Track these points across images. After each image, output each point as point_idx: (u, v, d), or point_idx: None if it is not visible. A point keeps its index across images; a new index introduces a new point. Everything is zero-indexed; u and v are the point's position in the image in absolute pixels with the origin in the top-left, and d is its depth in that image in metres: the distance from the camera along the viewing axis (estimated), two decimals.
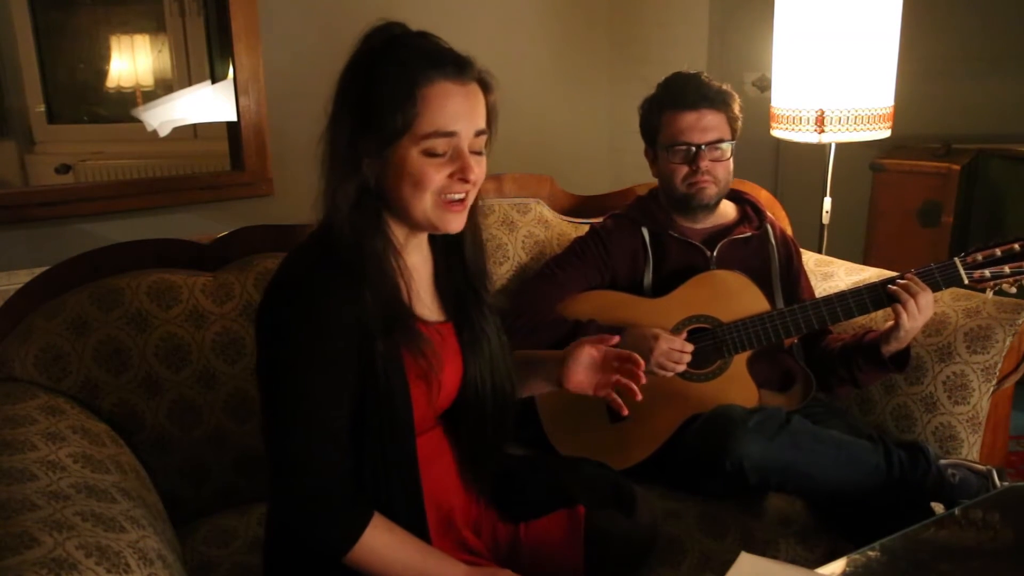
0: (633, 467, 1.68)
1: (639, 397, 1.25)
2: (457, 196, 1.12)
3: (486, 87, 1.14)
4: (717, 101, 1.77)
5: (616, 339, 1.31)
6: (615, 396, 1.28)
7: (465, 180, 1.11)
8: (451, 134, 1.09)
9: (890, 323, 1.66)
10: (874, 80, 2.23)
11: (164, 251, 1.64)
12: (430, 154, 1.09)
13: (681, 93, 1.78)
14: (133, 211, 2.39)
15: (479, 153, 1.13)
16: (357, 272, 1.09)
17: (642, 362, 1.25)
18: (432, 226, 1.15)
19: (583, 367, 1.30)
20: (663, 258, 1.82)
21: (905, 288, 1.63)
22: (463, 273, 1.24)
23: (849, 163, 2.66)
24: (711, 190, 1.79)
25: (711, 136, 1.76)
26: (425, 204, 1.11)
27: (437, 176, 1.10)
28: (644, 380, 1.25)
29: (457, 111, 1.09)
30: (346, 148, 1.10)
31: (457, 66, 1.10)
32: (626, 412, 1.27)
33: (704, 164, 1.76)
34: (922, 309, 1.61)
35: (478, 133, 1.12)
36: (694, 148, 1.76)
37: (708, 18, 3.16)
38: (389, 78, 1.08)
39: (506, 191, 2.04)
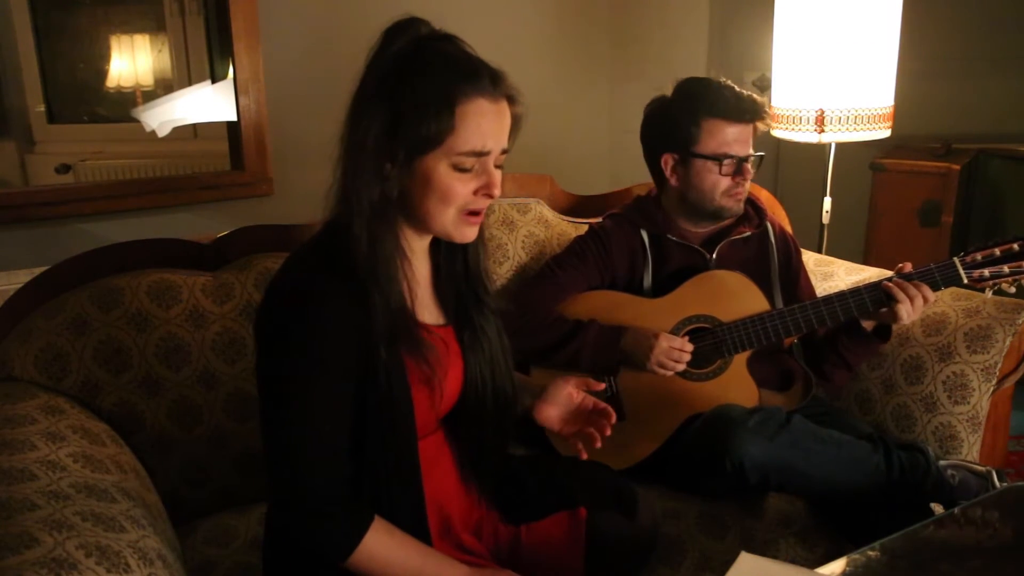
0: (633, 467, 1.68)
1: (584, 456, 1.27)
2: (478, 208, 1.13)
3: (512, 102, 1.13)
4: (762, 115, 1.75)
5: (602, 386, 1.32)
6: (579, 445, 1.28)
7: (490, 196, 1.12)
8: (483, 153, 1.09)
9: (883, 310, 1.66)
10: (874, 80, 2.23)
11: (164, 251, 1.64)
12: (459, 169, 1.09)
13: (735, 104, 1.72)
14: (133, 211, 2.39)
15: (499, 167, 1.14)
16: (366, 277, 1.08)
17: (614, 416, 1.26)
18: (448, 236, 1.15)
19: (558, 405, 1.31)
20: (663, 260, 1.82)
21: (903, 289, 1.63)
22: (464, 275, 1.24)
23: (849, 163, 2.66)
24: (743, 202, 1.80)
25: (750, 148, 1.76)
26: (447, 217, 1.12)
27: (464, 191, 1.10)
28: (609, 433, 1.26)
29: (490, 130, 1.09)
30: (372, 151, 1.07)
31: (492, 81, 1.09)
32: (585, 456, 1.28)
33: (748, 176, 1.75)
34: (918, 309, 1.62)
35: (503, 151, 1.13)
36: (741, 160, 1.74)
37: (708, 18, 3.16)
38: (426, 88, 1.06)
39: (506, 191, 2.02)
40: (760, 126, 1.77)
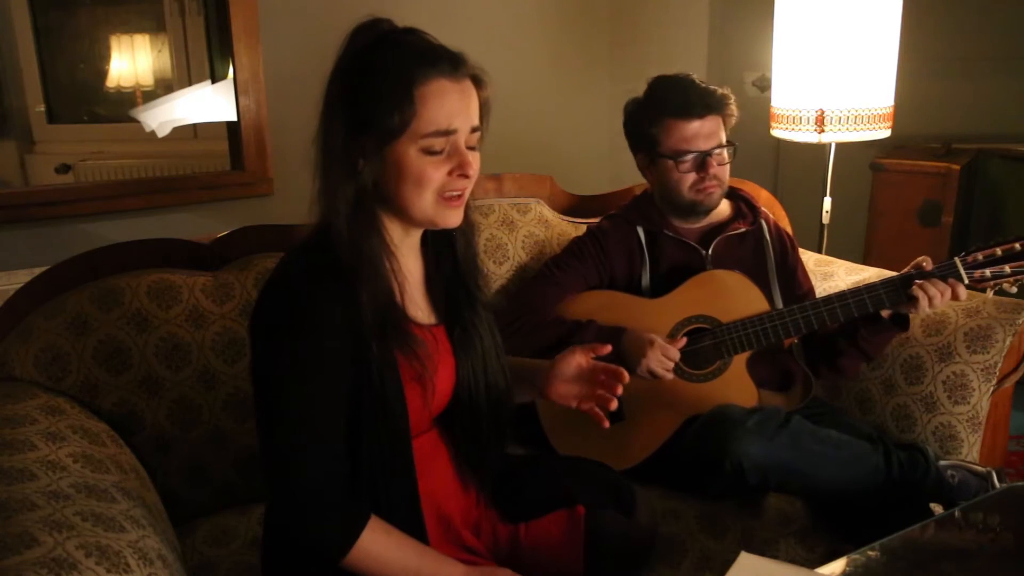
0: (633, 467, 1.68)
1: (606, 425, 1.25)
2: (456, 192, 1.13)
3: (479, 83, 1.13)
4: (719, 107, 1.76)
5: (608, 348, 1.29)
6: (597, 410, 1.26)
7: (465, 176, 1.12)
8: (449, 132, 1.09)
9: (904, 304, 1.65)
10: (874, 80, 2.23)
11: (164, 251, 1.64)
12: (429, 152, 1.09)
13: (684, 101, 1.75)
14: (133, 211, 2.39)
15: (474, 148, 1.14)
16: (353, 274, 1.09)
17: (626, 376, 1.24)
18: (431, 223, 1.15)
19: (568, 378, 1.29)
20: (659, 257, 1.82)
21: (934, 285, 1.61)
22: (455, 271, 1.24)
23: (849, 163, 2.66)
24: (717, 194, 1.80)
25: (715, 141, 1.76)
26: (425, 202, 1.12)
27: (437, 174, 1.10)
28: (620, 392, 1.24)
29: (454, 109, 1.09)
30: (342, 149, 1.09)
31: (451, 63, 1.10)
32: (607, 425, 1.26)
33: (713, 170, 1.76)
34: (945, 304, 1.62)
35: (473, 129, 1.13)
36: (703, 155, 1.75)
37: (708, 18, 3.16)
38: (384, 77, 1.07)
39: (506, 191, 2.04)
40: (727, 114, 1.77)
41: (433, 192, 1.11)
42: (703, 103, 1.74)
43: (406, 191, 1.11)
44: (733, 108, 1.79)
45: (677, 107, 1.75)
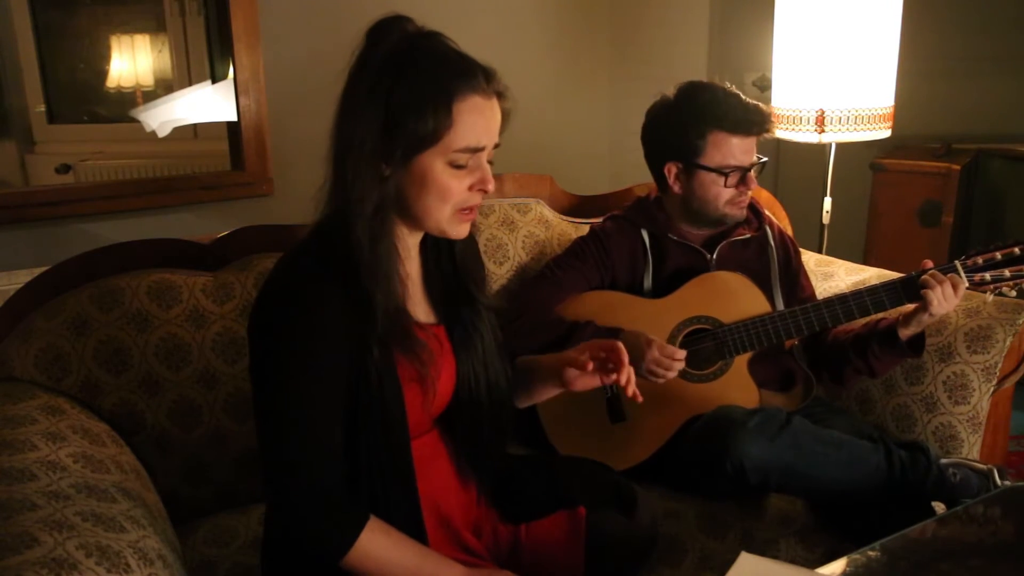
0: (633, 467, 1.68)
1: (639, 399, 1.23)
2: (472, 205, 1.14)
3: (502, 97, 1.14)
4: (771, 126, 1.75)
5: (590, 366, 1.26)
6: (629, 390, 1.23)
7: (484, 191, 1.13)
8: (478, 149, 1.10)
9: (912, 306, 1.64)
10: (874, 80, 2.23)
11: (164, 251, 1.64)
12: (455, 166, 1.10)
13: (741, 116, 1.71)
14: (133, 211, 2.39)
15: (490, 162, 1.15)
16: (366, 279, 1.08)
17: (622, 350, 1.22)
18: (443, 233, 1.15)
19: (578, 375, 1.27)
20: (663, 260, 1.81)
21: (932, 276, 1.61)
22: (453, 272, 1.24)
23: (849, 163, 2.67)
24: (746, 208, 1.80)
25: (754, 156, 1.76)
26: (443, 215, 1.12)
27: (459, 188, 1.11)
28: (627, 363, 1.22)
29: (486, 126, 1.10)
30: (370, 150, 1.08)
31: (486, 79, 1.10)
32: (640, 399, 1.24)
33: (753, 184, 1.76)
34: (949, 298, 1.59)
35: (495, 145, 1.14)
36: (746, 170, 1.75)
37: (708, 18, 3.16)
38: (422, 86, 1.07)
39: (506, 191, 2.04)
40: (766, 134, 1.77)
41: (453, 205, 1.12)
42: (759, 120, 1.73)
43: (427, 202, 1.11)
44: (774, 126, 1.79)
45: (734, 122, 1.71)
